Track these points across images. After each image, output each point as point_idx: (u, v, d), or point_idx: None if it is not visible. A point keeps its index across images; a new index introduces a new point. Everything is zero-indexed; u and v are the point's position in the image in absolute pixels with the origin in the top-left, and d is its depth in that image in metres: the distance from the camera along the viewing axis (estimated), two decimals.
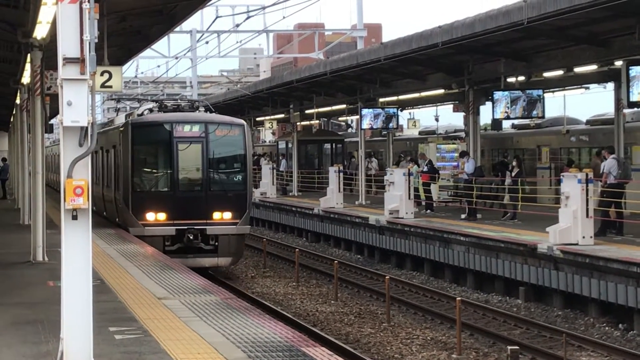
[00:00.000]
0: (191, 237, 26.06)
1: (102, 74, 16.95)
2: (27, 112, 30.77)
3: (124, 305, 14.87)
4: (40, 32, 19.58)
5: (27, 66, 23.65)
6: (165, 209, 26.23)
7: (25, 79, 27.80)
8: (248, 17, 41.64)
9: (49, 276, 18.27)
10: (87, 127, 9.75)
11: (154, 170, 27.13)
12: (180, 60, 58.29)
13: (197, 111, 28.48)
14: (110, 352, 11.34)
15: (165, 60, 58.51)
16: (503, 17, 24.52)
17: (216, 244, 26.36)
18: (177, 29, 37.11)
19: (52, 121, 45.75)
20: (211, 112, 28.79)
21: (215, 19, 47.51)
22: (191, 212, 26.14)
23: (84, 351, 9.82)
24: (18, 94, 34.88)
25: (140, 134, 26.75)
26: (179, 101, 29.98)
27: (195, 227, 26.16)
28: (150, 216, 26.23)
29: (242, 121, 27.76)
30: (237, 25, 48.98)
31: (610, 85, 31.38)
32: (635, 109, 31.78)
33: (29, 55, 21.76)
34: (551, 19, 23.18)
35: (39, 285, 17.27)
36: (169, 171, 26.48)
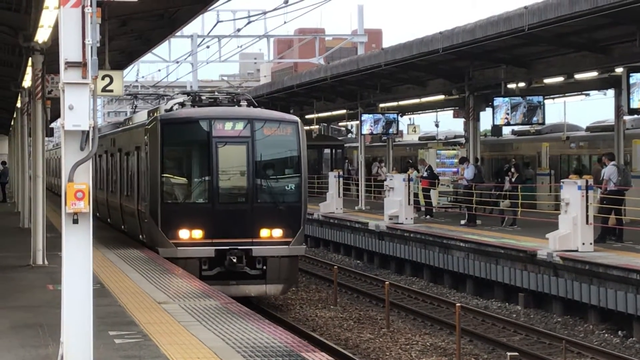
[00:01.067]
0: (234, 260, 21.61)
1: (103, 78, 16.91)
2: (27, 116, 30.76)
3: (123, 310, 14.87)
4: (42, 35, 19.61)
5: (28, 70, 23.66)
6: (203, 225, 21.76)
7: (26, 82, 27.79)
8: (249, 22, 41.68)
9: (49, 280, 18.27)
10: (88, 131, 9.76)
11: (188, 178, 22.60)
12: (181, 64, 58.31)
13: (238, 106, 23.95)
14: (110, 357, 11.34)
15: (166, 64, 58.47)
16: (504, 23, 24.55)
17: (264, 267, 21.91)
18: (178, 33, 37.11)
19: (53, 125, 45.72)
20: (255, 106, 24.60)
21: (216, 24, 47.50)
22: (234, 229, 21.76)
23: (84, 355, 9.82)
24: (19, 98, 34.89)
25: (172, 133, 22.24)
26: (215, 93, 24.80)
27: (239, 247, 21.65)
28: (183, 234, 21.81)
29: (295, 117, 23.29)
30: (238, 30, 48.99)
31: (611, 92, 31.42)
32: (636, 116, 31.80)
33: (30, 58, 21.77)
34: (552, 26, 23.22)
35: (38, 289, 17.27)
36: (206, 178, 22.00)
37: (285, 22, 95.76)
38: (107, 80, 16.63)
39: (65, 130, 9.72)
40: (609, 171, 24.43)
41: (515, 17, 23.99)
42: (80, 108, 9.70)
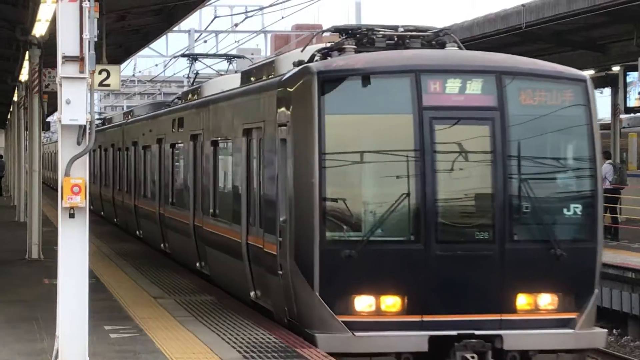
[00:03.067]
0: (469, 359, 11.64)
1: (100, 73, 16.93)
2: (24, 110, 30.85)
3: (119, 304, 14.88)
4: (39, 29, 19.61)
5: (26, 64, 23.69)
6: (404, 286, 11.79)
7: (23, 76, 27.82)
8: (246, 17, 41.67)
9: (44, 274, 18.26)
10: (85, 126, 9.77)
11: (373, 192, 12.07)
12: (178, 59, 58.34)
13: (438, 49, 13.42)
14: (106, 351, 11.34)
15: (163, 59, 58.50)
16: (501, 21, 24.55)
17: None
18: (176, 28, 37.09)
19: (49, 119, 45.70)
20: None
21: (213, 19, 47.45)
22: (466, 296, 11.83)
23: (79, 349, 9.82)
24: (16, 91, 34.91)
25: (343, 101, 11.89)
26: (399, 30, 13.39)
27: (478, 330, 11.74)
28: (364, 304, 11.76)
29: (580, 73, 12.62)
30: (236, 25, 48.98)
31: (607, 91, 31.45)
32: (632, 115, 31.85)
33: (27, 52, 21.80)
34: (549, 24, 23.23)
35: (34, 283, 17.27)
36: (412, 193, 11.75)
37: (282, 18, 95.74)
38: (105, 74, 16.67)
39: (62, 124, 9.73)
40: (605, 169, 24.45)
41: (512, 14, 24.00)
42: (78, 102, 9.70)
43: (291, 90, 12.41)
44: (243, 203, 14.53)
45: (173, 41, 52.81)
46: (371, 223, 11.76)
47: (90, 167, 39.74)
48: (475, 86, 12.01)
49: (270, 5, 35.25)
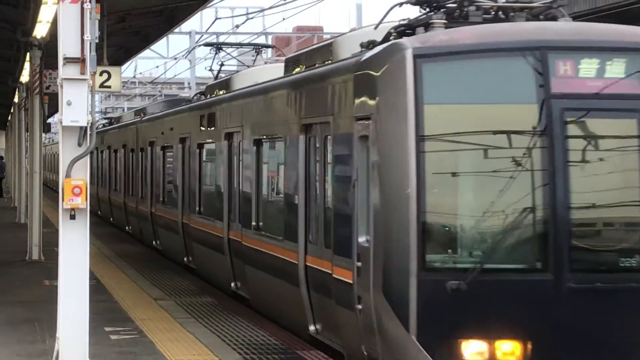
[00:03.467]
0: None
1: (101, 74, 16.93)
2: (25, 111, 30.84)
3: (119, 306, 14.88)
4: (40, 31, 19.61)
5: (26, 65, 23.72)
6: (527, 328, 8.99)
7: (24, 77, 27.85)
8: (247, 19, 41.70)
9: (45, 275, 18.26)
10: (86, 127, 9.77)
11: (487, 205, 9.18)
12: (179, 61, 58.36)
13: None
14: (106, 352, 11.34)
15: (163, 60, 58.50)
16: None
17: None
18: (177, 30, 37.12)
19: (50, 120, 45.77)
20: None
21: (214, 21, 47.48)
22: (607, 343, 9.03)
23: (79, 351, 9.82)
24: (16, 93, 34.93)
25: (448, 88, 9.30)
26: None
27: None
28: (474, 350, 9.01)
29: None
30: (237, 27, 49.01)
31: None
32: None
33: (28, 54, 21.81)
34: None
35: (34, 284, 17.26)
36: (537, 206, 9.10)
37: (283, 19, 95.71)
38: (105, 76, 16.67)
39: (63, 125, 9.73)
40: None
41: None
42: (79, 104, 9.71)
43: (376, 74, 9.56)
44: (300, 215, 11.86)
45: (174, 43, 52.86)
46: (485, 245, 9.03)
47: (99, 170, 35.93)
48: (617, 68, 9.22)
49: (271, 7, 35.26)
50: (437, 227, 9.03)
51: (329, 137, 10.99)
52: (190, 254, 18.69)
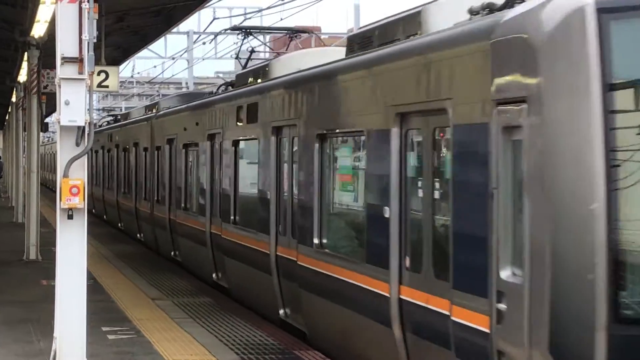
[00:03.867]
0: None
1: (99, 74, 16.95)
2: (23, 111, 30.83)
3: (117, 305, 14.87)
4: (38, 30, 19.61)
5: (24, 64, 23.71)
6: None
7: (22, 77, 27.84)
8: (245, 19, 41.70)
9: (42, 275, 18.24)
10: (84, 127, 9.77)
11: None
12: (177, 61, 58.38)
13: None
14: (103, 352, 11.34)
15: (161, 60, 58.49)
16: None
17: None
18: (174, 29, 37.12)
19: (48, 120, 45.70)
20: None
21: (212, 21, 47.49)
22: None
23: (77, 351, 9.81)
24: (14, 92, 34.92)
25: None
26: None
27: None
28: None
29: None
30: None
31: None
32: None
33: (26, 53, 21.80)
34: None
35: (32, 284, 17.25)
36: None
37: (281, 19, 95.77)
38: (103, 75, 16.68)
39: (61, 125, 9.73)
40: None
41: None
42: (76, 103, 9.70)
43: (536, 39, 6.73)
44: (392, 232, 9.05)
45: (172, 43, 52.81)
46: None
47: (104, 170, 34.61)
48: None
49: (269, 7, 35.26)
50: (637, 257, 6.43)
51: (443, 129, 8.21)
52: (220, 269, 16.07)
